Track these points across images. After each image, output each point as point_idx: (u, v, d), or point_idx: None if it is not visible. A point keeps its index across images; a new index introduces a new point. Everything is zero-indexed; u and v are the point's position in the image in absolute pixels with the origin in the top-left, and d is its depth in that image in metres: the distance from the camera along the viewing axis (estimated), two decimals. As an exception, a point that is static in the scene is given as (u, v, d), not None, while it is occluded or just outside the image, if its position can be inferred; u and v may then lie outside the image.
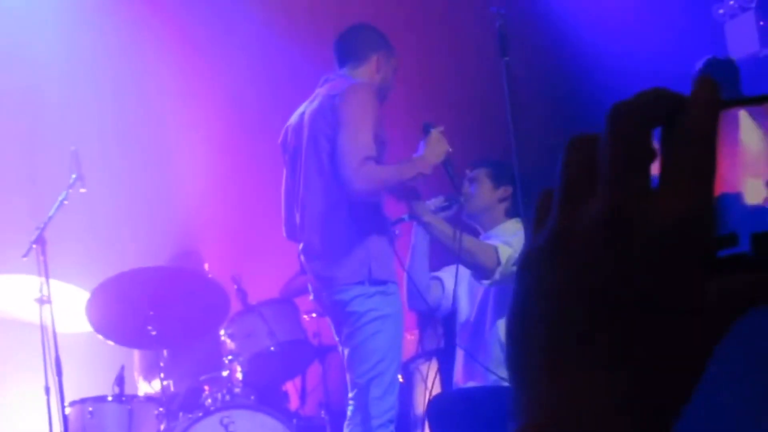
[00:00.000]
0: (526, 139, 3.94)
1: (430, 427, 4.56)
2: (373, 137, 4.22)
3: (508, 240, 4.63)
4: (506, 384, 4.38)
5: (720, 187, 0.59)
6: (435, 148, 4.33)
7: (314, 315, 5.80)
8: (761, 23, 5.53)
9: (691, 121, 0.59)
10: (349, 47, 4.60)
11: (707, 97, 0.60)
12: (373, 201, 4.25)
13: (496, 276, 4.50)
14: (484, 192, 4.85)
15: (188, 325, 5.40)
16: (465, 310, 4.84)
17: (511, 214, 4.83)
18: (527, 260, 0.61)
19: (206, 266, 6.32)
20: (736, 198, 0.60)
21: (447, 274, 4.86)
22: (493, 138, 5.06)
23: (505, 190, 4.83)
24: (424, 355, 5.44)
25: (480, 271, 4.54)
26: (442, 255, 4.84)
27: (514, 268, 4.39)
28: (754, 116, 0.61)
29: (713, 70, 5.55)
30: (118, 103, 7.07)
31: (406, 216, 4.63)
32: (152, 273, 5.28)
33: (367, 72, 4.53)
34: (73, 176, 5.48)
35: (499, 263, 4.48)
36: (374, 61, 4.53)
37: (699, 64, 5.60)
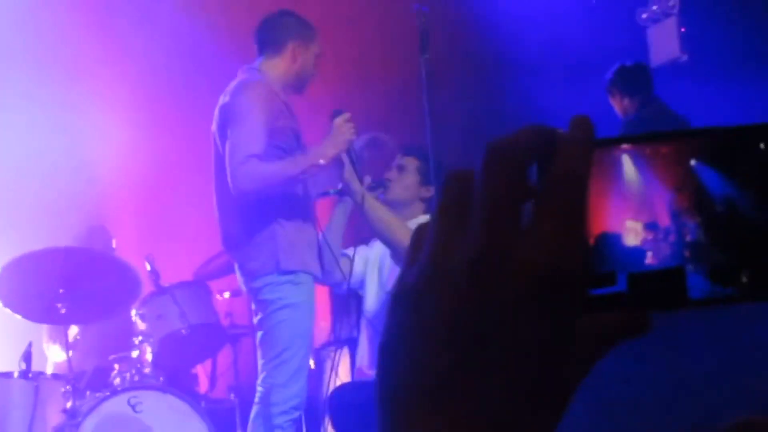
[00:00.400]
0: (444, 138, 3.98)
1: (331, 418, 4.57)
2: (266, 132, 4.23)
3: None
4: None
5: (601, 227, 0.60)
6: (336, 137, 4.32)
7: (227, 295, 5.82)
8: (682, 29, 5.62)
9: (563, 160, 0.58)
10: (266, 36, 4.56)
11: (581, 136, 0.59)
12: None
13: None
14: (409, 184, 4.77)
15: (98, 303, 5.37)
16: (373, 297, 4.82)
17: (428, 213, 4.78)
18: (398, 295, 0.60)
19: (114, 243, 6.32)
20: (616, 238, 0.61)
21: (358, 256, 4.83)
22: (413, 134, 5.03)
23: (428, 190, 4.76)
24: (336, 342, 5.46)
25: (398, 252, 4.48)
26: (357, 234, 4.84)
27: None
28: (633, 159, 0.62)
29: (623, 77, 5.65)
30: (28, 75, 6.93)
31: (331, 190, 4.60)
32: (63, 252, 5.22)
33: (284, 61, 4.50)
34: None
35: None
36: (290, 49, 4.50)
37: (609, 74, 5.70)
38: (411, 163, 4.78)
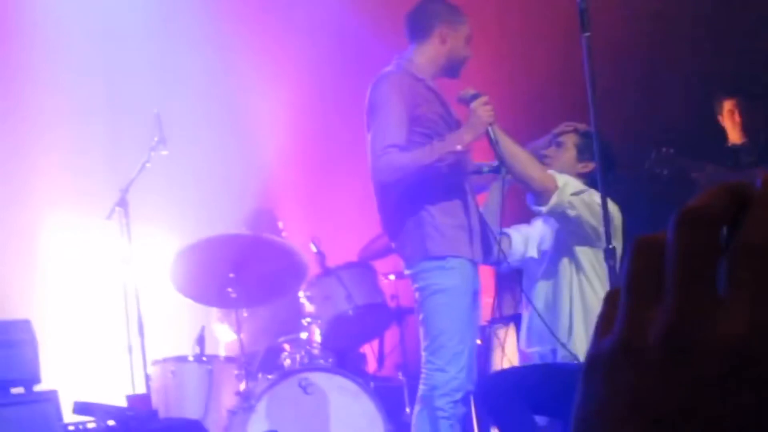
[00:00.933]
0: (605, 119, 3.91)
1: (476, 410, 4.55)
2: (406, 121, 4.28)
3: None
4: (564, 352, 4.43)
5: None
6: (474, 121, 4.33)
7: (392, 277, 5.82)
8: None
9: (751, 227, 0.54)
10: (414, 24, 4.60)
11: None
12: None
13: (554, 200, 4.42)
14: (566, 159, 4.71)
15: (267, 287, 5.47)
16: (531, 274, 4.79)
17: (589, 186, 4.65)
18: (592, 364, 0.59)
19: (280, 225, 6.44)
20: None
21: (518, 233, 4.81)
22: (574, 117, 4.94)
23: (585, 165, 4.67)
24: (502, 319, 5.44)
25: (536, 191, 4.44)
26: (520, 213, 4.82)
27: (574, 199, 4.25)
28: None
29: None
30: (199, 67, 7.11)
31: (485, 168, 4.59)
32: (233, 239, 5.34)
33: (432, 46, 4.52)
34: (156, 139, 5.53)
35: (556, 187, 4.42)
36: (437, 33, 4.52)
37: None
38: (569, 139, 4.75)
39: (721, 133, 5.83)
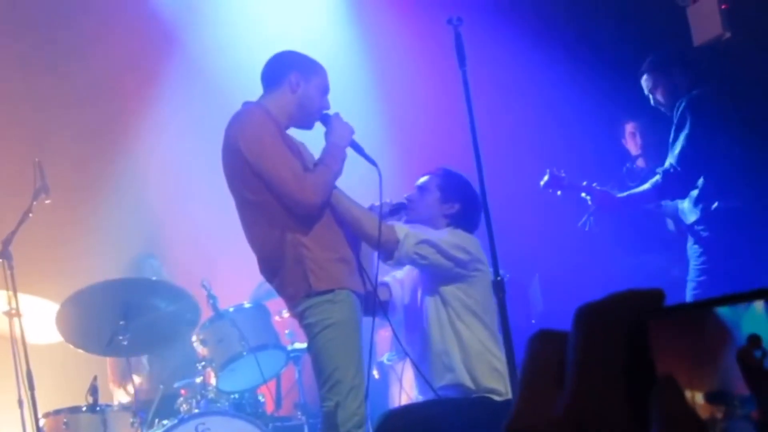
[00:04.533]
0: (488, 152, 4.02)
1: None
2: (291, 153, 4.30)
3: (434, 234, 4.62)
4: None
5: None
6: (339, 131, 4.40)
7: (286, 314, 5.64)
8: (723, 6, 5.57)
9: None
10: (266, 72, 4.57)
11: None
12: (303, 214, 4.27)
13: (397, 254, 4.47)
14: (430, 202, 4.77)
15: (159, 332, 5.42)
16: (407, 314, 4.82)
17: (455, 226, 4.75)
18: None
19: (164, 270, 6.39)
20: None
21: (393, 279, 4.85)
22: (453, 152, 5.02)
23: (451, 206, 4.75)
24: (398, 353, 5.45)
25: (379, 247, 4.46)
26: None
27: (419, 248, 4.32)
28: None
29: (668, 61, 5.61)
30: (79, 113, 7.01)
31: (385, 207, 4.62)
32: (121, 284, 5.28)
33: (282, 93, 4.48)
34: (37, 187, 5.42)
35: (397, 240, 4.45)
36: (288, 81, 4.47)
37: (653, 57, 5.65)
38: (431, 182, 4.80)
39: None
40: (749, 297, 0.59)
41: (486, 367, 4.49)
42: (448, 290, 4.59)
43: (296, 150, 4.38)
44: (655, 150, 5.81)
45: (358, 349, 4.29)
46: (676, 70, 5.49)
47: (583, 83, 6.37)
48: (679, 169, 5.27)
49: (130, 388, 5.55)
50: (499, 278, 3.92)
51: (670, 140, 5.35)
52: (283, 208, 4.26)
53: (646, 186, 5.47)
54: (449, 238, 4.58)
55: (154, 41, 7.40)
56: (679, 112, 5.31)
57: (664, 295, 0.61)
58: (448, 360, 4.54)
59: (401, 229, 4.53)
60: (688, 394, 0.59)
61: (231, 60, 7.12)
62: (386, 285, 4.81)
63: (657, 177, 5.39)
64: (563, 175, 5.55)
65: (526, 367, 0.62)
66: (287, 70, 4.49)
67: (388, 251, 4.48)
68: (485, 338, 4.50)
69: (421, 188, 4.82)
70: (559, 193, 5.57)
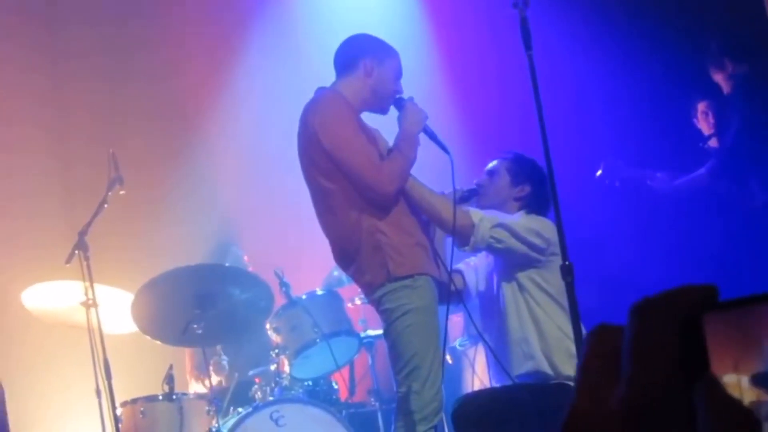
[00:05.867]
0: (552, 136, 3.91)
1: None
2: (368, 140, 4.29)
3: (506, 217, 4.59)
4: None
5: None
6: (414, 117, 4.35)
7: (359, 302, 5.79)
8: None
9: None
10: (339, 57, 4.54)
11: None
12: (379, 202, 4.26)
13: (473, 239, 4.44)
14: (501, 186, 4.75)
15: (233, 321, 5.43)
16: (483, 301, 4.81)
17: (528, 210, 4.73)
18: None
19: (246, 258, 6.37)
20: None
21: (466, 267, 4.83)
22: (522, 136, 4.96)
23: (522, 189, 4.73)
24: (471, 338, 5.42)
25: (454, 233, 4.42)
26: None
27: (495, 231, 4.26)
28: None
29: (720, 53, 5.50)
30: (152, 102, 7.07)
31: (462, 192, 4.60)
32: (194, 271, 5.29)
33: (356, 78, 4.45)
34: (112, 178, 5.47)
35: (472, 224, 4.42)
36: (362, 66, 4.44)
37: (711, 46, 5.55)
38: (501, 166, 4.78)
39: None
40: None
41: (565, 354, 4.46)
42: (524, 275, 4.56)
43: (372, 137, 4.37)
44: (730, 130, 5.70)
45: (437, 335, 4.26)
46: (728, 62, 5.41)
47: (653, 63, 6.26)
48: (729, 156, 5.18)
49: (208, 382, 5.59)
50: (567, 263, 3.84)
51: (727, 127, 5.26)
52: (360, 195, 4.25)
53: (701, 170, 5.39)
54: (524, 222, 4.55)
55: (228, 25, 7.42)
56: (735, 101, 5.23)
57: (717, 290, 0.62)
58: (527, 347, 4.52)
59: (476, 213, 4.50)
60: (734, 377, 0.60)
61: (307, 44, 7.12)
62: (459, 272, 4.78)
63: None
64: (618, 163, 5.47)
65: (583, 362, 0.64)
66: (361, 54, 4.46)
67: (464, 236, 4.45)
68: (563, 324, 4.43)
69: (491, 172, 4.80)
70: (617, 183, 5.50)
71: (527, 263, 4.53)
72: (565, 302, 4.41)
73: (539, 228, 4.51)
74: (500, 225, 4.47)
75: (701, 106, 5.98)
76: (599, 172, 5.53)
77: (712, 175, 5.34)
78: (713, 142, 5.93)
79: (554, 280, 4.41)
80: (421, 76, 6.45)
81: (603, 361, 0.63)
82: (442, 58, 7.30)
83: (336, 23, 6.84)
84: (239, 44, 7.47)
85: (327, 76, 4.56)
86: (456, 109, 6.96)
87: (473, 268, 4.82)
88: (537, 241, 4.49)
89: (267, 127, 6.99)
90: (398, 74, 4.49)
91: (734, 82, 5.38)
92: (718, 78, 5.49)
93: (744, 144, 5.17)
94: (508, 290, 4.60)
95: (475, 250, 4.56)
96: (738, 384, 0.59)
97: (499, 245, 4.47)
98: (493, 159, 4.87)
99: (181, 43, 7.26)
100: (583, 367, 0.63)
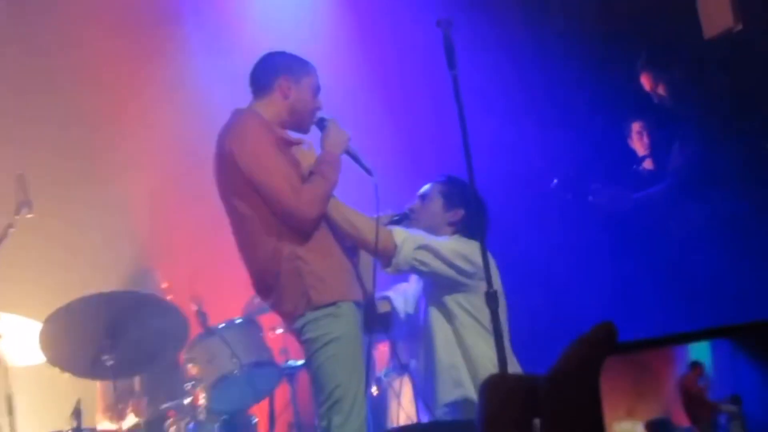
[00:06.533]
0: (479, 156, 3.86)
1: None
2: (286, 162, 4.18)
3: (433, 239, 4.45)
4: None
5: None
6: (335, 138, 4.29)
7: (280, 331, 5.60)
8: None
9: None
10: (254, 78, 4.42)
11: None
12: (300, 228, 4.13)
13: (395, 260, 4.32)
14: (433, 210, 4.66)
15: (146, 351, 5.18)
16: (412, 326, 4.71)
17: (461, 234, 4.61)
18: None
19: (165, 286, 6.16)
20: None
21: (395, 293, 4.74)
22: (445, 156, 4.86)
23: (455, 213, 4.65)
24: (396, 369, 5.23)
25: (376, 253, 4.30)
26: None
27: (418, 253, 4.12)
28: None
29: (668, 56, 5.36)
30: (64, 124, 6.81)
31: (393, 217, 4.54)
32: (106, 299, 5.01)
33: (273, 100, 4.34)
34: (20, 201, 5.22)
35: (395, 246, 4.31)
36: (278, 87, 4.34)
37: (646, 51, 5.41)
38: (433, 189, 4.71)
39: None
40: (705, 335, 0.61)
41: None
42: (452, 300, 4.45)
43: (293, 159, 4.25)
44: (665, 150, 5.57)
45: (361, 365, 4.13)
46: (675, 65, 5.27)
47: (586, 81, 6.15)
48: (689, 171, 5.05)
49: (119, 419, 5.39)
50: (492, 290, 3.75)
51: (678, 140, 5.12)
52: (279, 220, 4.13)
53: (661, 185, 5.26)
54: (452, 244, 4.44)
55: (140, 42, 7.18)
56: (684, 110, 5.08)
57: (615, 331, 0.63)
58: (456, 374, 4.42)
59: (399, 233, 4.38)
60: (629, 424, 0.60)
61: (221, 62, 6.90)
62: (387, 298, 4.69)
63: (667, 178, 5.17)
64: (571, 175, 5.34)
65: (484, 416, 0.66)
66: (276, 74, 4.35)
67: (387, 258, 4.35)
68: (492, 350, 4.28)
69: (424, 196, 4.71)
70: (569, 196, 5.38)
71: (454, 287, 4.42)
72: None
73: (468, 252, 4.39)
74: (424, 247, 4.36)
75: (636, 126, 5.85)
76: (555, 182, 5.39)
77: (670, 192, 5.22)
78: (648, 164, 5.80)
79: (483, 306, 4.26)
80: (345, 93, 6.28)
81: (504, 411, 0.65)
82: (371, 75, 7.11)
83: (252, 37, 6.66)
84: (154, 65, 7.20)
85: (242, 95, 4.44)
86: (384, 128, 6.79)
87: (402, 293, 4.73)
88: (464, 264, 4.38)
89: (185, 148, 6.75)
90: (316, 91, 4.39)
91: (680, 86, 5.22)
92: (658, 86, 5.32)
93: (702, 156, 5.02)
94: (436, 315, 4.50)
95: (399, 272, 4.44)
96: (632, 430, 0.60)
97: (423, 267, 4.36)
98: (426, 182, 4.79)
99: (94, 62, 7.00)
100: (485, 421, 0.66)
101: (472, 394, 4.35)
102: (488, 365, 4.33)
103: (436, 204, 4.65)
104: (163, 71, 7.05)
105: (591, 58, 6.10)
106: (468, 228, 4.55)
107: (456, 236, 4.56)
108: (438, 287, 4.46)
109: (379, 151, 5.24)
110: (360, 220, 4.29)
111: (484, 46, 5.93)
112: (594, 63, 6.05)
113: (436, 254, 4.36)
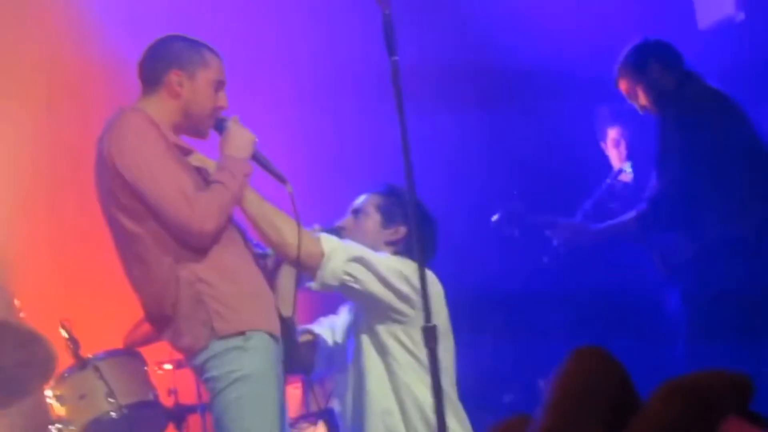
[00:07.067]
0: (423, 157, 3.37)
1: None
2: (175, 159, 3.61)
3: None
4: None
5: None
6: (238, 140, 3.69)
7: (168, 367, 5.21)
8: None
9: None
10: (141, 70, 3.78)
11: None
12: (195, 244, 3.57)
13: (321, 272, 3.76)
14: (369, 228, 4.08)
15: (3, 385, 4.67)
16: (339, 358, 4.17)
17: (402, 255, 4.04)
18: None
19: (16, 302, 5.55)
20: None
21: (319, 327, 4.19)
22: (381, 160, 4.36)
23: (396, 231, 4.05)
24: (310, 415, 4.84)
25: (298, 262, 3.75)
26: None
27: (351, 267, 3.83)
28: None
29: (643, 56, 4.80)
30: None
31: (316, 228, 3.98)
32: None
33: (162, 98, 3.71)
34: None
35: (322, 254, 3.76)
36: (167, 83, 3.69)
37: (627, 50, 4.85)
38: (369, 203, 4.12)
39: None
40: None
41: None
42: (387, 332, 3.89)
43: (188, 165, 3.65)
44: (646, 162, 5.03)
45: (275, 410, 3.59)
46: (654, 65, 4.70)
47: (554, 74, 5.69)
48: (668, 195, 4.47)
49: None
50: (431, 324, 3.17)
51: (657, 155, 4.53)
52: (172, 237, 3.55)
53: (630, 215, 4.70)
54: (393, 262, 3.89)
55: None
56: (666, 119, 4.49)
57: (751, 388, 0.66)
58: (390, 420, 3.89)
59: (329, 241, 3.81)
60: None
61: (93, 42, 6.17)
62: (309, 331, 4.13)
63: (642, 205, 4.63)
64: (519, 209, 4.84)
65: None
66: (166, 66, 3.68)
67: (311, 269, 3.80)
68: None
69: (357, 211, 4.12)
70: (517, 232, 4.85)
71: (391, 315, 3.87)
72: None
73: (409, 273, 3.81)
74: (359, 259, 3.80)
75: (612, 133, 5.30)
76: (495, 217, 4.88)
77: (645, 222, 4.65)
78: (625, 177, 5.25)
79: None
80: (254, 84, 5.69)
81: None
82: (287, 59, 6.52)
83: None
84: None
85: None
86: (302, 127, 6.25)
87: (328, 324, 4.17)
88: (404, 288, 3.82)
89: (59, 140, 6.08)
90: (218, 84, 3.75)
91: (662, 90, 4.65)
92: (637, 92, 4.75)
93: (685, 182, 4.45)
94: (368, 350, 3.94)
95: (325, 289, 3.84)
96: None
97: (355, 284, 3.80)
98: (358, 192, 4.21)
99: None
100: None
101: None
102: (428, 412, 3.83)
103: (372, 220, 4.08)
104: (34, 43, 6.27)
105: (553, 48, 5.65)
106: (411, 249, 3.94)
107: (396, 257, 4.01)
108: (372, 315, 3.91)
109: (297, 154, 4.61)
110: (281, 220, 3.73)
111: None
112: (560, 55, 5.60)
113: (373, 270, 3.81)
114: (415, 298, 3.81)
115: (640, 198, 4.78)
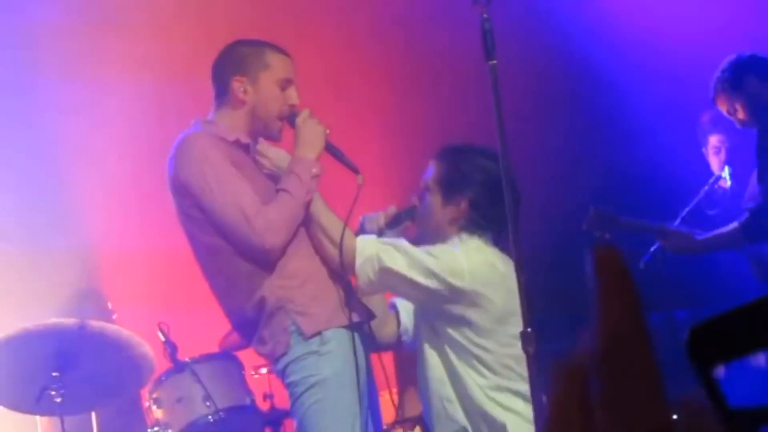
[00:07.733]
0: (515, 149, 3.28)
1: None
2: (239, 176, 3.67)
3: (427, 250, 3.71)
4: None
5: None
6: (309, 137, 3.68)
7: (264, 371, 5.20)
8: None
9: None
10: (213, 80, 3.85)
11: None
12: (261, 260, 3.66)
13: (362, 284, 3.68)
14: (431, 209, 3.78)
15: (101, 388, 4.81)
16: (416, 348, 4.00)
17: (469, 232, 3.75)
18: None
19: (110, 305, 5.82)
20: None
21: (401, 302, 4.00)
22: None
23: (456, 209, 3.72)
24: (405, 421, 4.81)
25: (344, 272, 3.70)
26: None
27: (381, 278, 3.63)
28: None
29: (739, 72, 4.73)
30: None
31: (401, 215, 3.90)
32: (55, 329, 4.64)
33: (230, 107, 3.77)
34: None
35: (355, 266, 3.65)
36: (232, 90, 3.75)
37: (723, 66, 4.79)
38: (431, 178, 3.81)
39: None
40: None
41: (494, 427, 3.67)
42: (441, 324, 3.71)
43: (254, 177, 3.74)
44: (744, 170, 4.96)
45: (354, 412, 3.61)
46: (751, 80, 4.64)
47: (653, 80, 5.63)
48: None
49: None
50: (528, 330, 3.04)
51: (759, 167, 4.48)
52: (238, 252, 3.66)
53: (733, 225, 4.62)
54: (427, 258, 3.63)
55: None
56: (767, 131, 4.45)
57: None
58: (451, 407, 3.73)
59: (363, 248, 3.66)
60: None
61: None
62: (394, 306, 3.99)
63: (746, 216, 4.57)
64: (610, 213, 4.76)
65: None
66: (228, 75, 3.76)
67: (353, 276, 3.73)
68: (490, 388, 3.68)
69: (424, 189, 3.85)
70: (608, 236, 4.74)
71: (439, 312, 3.69)
72: (491, 359, 3.67)
73: (443, 268, 3.59)
74: (386, 271, 3.62)
75: (713, 140, 5.23)
76: (589, 218, 4.80)
77: (748, 233, 4.59)
78: (723, 183, 5.18)
79: (478, 337, 3.64)
80: (350, 79, 5.81)
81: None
82: (378, 59, 6.48)
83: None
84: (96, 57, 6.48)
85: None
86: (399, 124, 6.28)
87: (407, 307, 3.98)
88: (431, 283, 3.58)
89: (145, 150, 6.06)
90: (284, 82, 3.77)
91: (761, 103, 4.60)
92: (736, 109, 4.71)
93: None
94: (428, 334, 3.78)
95: (369, 295, 3.81)
96: None
97: (397, 292, 3.83)
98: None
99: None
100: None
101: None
102: (485, 403, 3.68)
103: (435, 198, 3.78)
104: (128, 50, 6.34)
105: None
106: (477, 222, 3.73)
107: (458, 237, 3.74)
108: (425, 308, 3.78)
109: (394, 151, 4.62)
110: (330, 223, 3.68)
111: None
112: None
113: (403, 280, 3.62)
114: (446, 292, 3.62)
115: (739, 206, 4.72)
